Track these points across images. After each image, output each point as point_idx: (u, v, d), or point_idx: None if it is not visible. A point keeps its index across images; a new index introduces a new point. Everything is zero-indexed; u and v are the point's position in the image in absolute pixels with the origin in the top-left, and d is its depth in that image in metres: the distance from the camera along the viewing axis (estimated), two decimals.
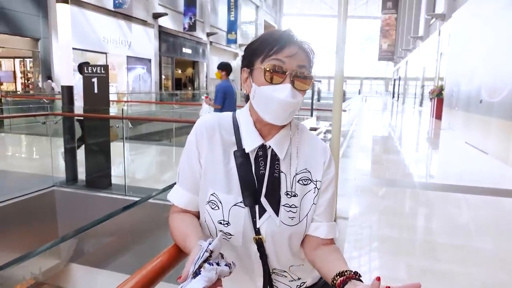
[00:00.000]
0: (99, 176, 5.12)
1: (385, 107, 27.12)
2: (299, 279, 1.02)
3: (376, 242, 3.36)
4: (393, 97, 37.75)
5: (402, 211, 4.26)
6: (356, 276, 0.79)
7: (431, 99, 14.68)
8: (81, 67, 5.24)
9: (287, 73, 0.88)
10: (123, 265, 4.21)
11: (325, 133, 4.81)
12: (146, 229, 4.25)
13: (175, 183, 1.03)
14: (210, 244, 0.74)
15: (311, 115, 9.49)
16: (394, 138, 10.61)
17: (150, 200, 3.94)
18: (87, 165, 5.11)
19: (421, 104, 19.73)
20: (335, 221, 1.09)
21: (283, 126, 0.96)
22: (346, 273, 0.80)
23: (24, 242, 4.35)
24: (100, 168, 5.14)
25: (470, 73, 9.27)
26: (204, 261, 0.72)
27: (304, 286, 1.04)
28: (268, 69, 0.88)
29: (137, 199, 4.38)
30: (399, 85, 34.32)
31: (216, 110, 5.32)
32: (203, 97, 5.93)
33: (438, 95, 13.44)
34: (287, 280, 1.01)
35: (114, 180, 5.11)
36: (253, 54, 0.92)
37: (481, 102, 8.12)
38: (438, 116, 12.89)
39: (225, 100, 5.29)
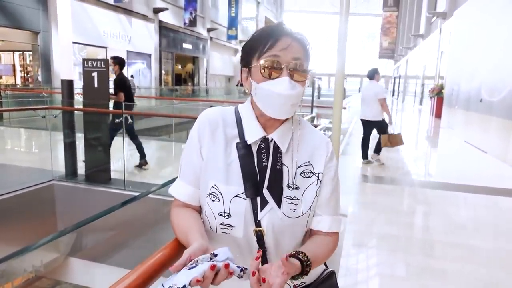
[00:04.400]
0: (99, 171, 5.11)
1: None
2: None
3: (375, 240, 3.37)
4: (393, 95, 37.69)
5: (401, 209, 4.27)
6: (300, 255, 0.83)
7: (431, 97, 14.68)
8: None
9: (283, 66, 0.89)
10: (122, 260, 4.22)
11: (325, 130, 4.81)
12: (145, 224, 4.25)
13: (174, 178, 1.03)
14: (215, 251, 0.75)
15: (311, 112, 9.47)
16: None
17: (150, 195, 3.94)
18: (86, 160, 5.11)
19: (421, 102, 19.72)
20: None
21: (285, 120, 0.97)
22: (298, 253, 0.84)
23: (23, 235, 4.35)
24: (99, 162, 5.14)
25: (470, 72, 9.27)
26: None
27: (304, 285, 1.03)
28: (264, 65, 0.89)
29: (136, 194, 4.39)
30: (399, 83, 34.29)
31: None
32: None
33: (438, 94, 13.44)
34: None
35: (113, 175, 5.11)
36: (249, 53, 0.94)
37: (481, 101, 8.12)
38: (438, 114, 12.89)
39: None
